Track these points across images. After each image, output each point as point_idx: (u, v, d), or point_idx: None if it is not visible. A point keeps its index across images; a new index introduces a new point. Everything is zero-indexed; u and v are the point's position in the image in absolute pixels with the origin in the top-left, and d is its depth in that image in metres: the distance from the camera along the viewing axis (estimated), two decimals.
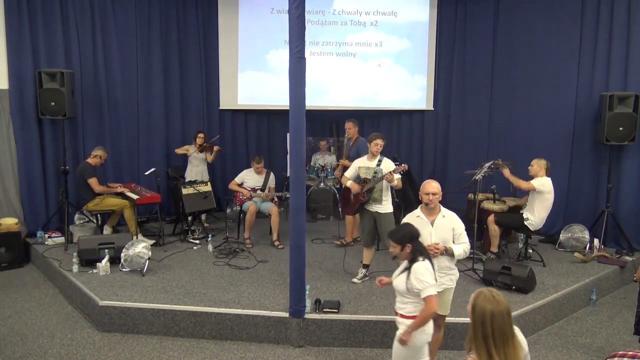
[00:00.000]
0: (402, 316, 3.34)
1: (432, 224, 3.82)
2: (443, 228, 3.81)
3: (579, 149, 6.98)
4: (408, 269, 3.29)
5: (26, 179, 6.81)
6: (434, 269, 3.36)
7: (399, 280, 3.34)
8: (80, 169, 6.49)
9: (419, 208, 3.94)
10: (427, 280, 3.23)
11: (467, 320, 4.60)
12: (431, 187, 3.81)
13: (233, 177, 7.07)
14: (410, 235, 3.34)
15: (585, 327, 5.01)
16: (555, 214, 6.79)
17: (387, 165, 5.37)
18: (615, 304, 5.60)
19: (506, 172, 5.99)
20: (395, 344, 3.34)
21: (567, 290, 5.25)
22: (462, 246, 3.82)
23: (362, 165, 5.53)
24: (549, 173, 5.84)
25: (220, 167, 8.45)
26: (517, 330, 2.37)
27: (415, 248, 3.31)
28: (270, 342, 4.62)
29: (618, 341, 4.71)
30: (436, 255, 3.73)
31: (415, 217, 3.89)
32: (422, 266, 3.25)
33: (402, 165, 5.28)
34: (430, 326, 3.36)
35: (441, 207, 3.91)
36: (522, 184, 5.79)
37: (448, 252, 3.78)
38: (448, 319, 4.51)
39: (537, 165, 5.85)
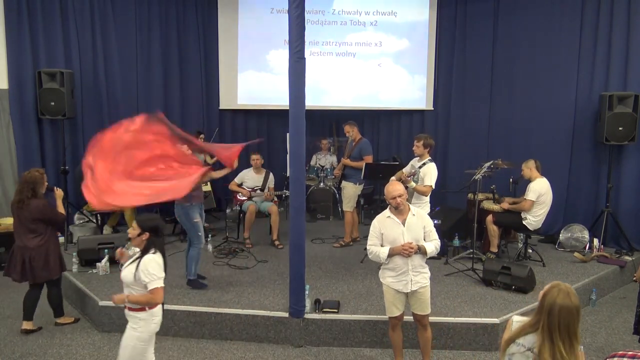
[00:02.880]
0: (130, 309, 3.29)
1: (403, 223, 3.80)
2: (415, 227, 3.81)
3: (579, 148, 6.98)
4: (139, 259, 3.26)
5: None
6: (165, 264, 3.34)
7: (127, 271, 3.28)
8: (78, 170, 6.49)
9: (388, 209, 3.92)
10: (156, 273, 3.21)
11: (467, 320, 4.62)
12: (395, 190, 3.78)
13: (233, 177, 7.07)
14: (155, 227, 3.33)
15: (585, 327, 5.00)
16: (555, 213, 6.80)
17: (426, 170, 5.37)
18: (615, 303, 5.60)
19: (505, 205, 6.07)
20: (125, 334, 3.30)
21: None
22: (433, 243, 3.83)
23: (413, 163, 5.66)
24: (540, 171, 5.86)
25: (220, 167, 8.44)
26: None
27: (152, 240, 3.29)
28: (270, 342, 4.62)
29: (618, 341, 4.71)
30: (410, 254, 3.74)
31: (385, 218, 3.88)
32: (152, 259, 3.24)
33: (415, 171, 5.33)
34: (159, 316, 3.34)
35: (409, 205, 3.91)
36: (525, 205, 5.79)
37: (421, 251, 3.79)
38: (448, 319, 4.52)
39: (527, 167, 5.89)
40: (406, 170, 5.77)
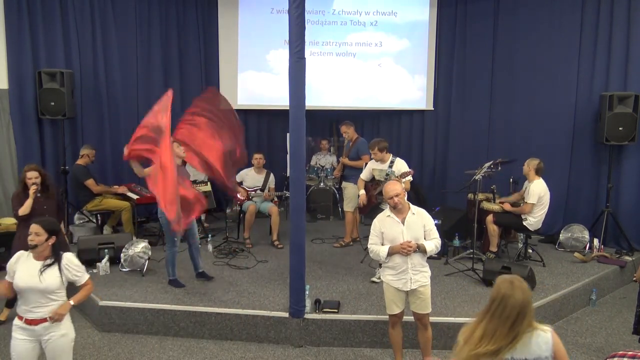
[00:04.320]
0: (49, 320, 3.19)
1: (403, 222, 3.82)
2: (414, 225, 3.82)
3: (579, 149, 6.98)
4: (56, 264, 3.21)
5: None
6: None
7: (50, 279, 3.16)
8: (73, 173, 6.50)
9: (387, 208, 3.94)
10: (82, 266, 3.38)
11: (467, 320, 4.60)
12: (393, 190, 3.81)
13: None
14: (58, 230, 3.36)
15: (585, 327, 5.01)
16: (555, 214, 6.80)
17: (399, 166, 5.45)
18: (615, 304, 5.60)
19: (507, 206, 6.08)
20: (56, 344, 3.23)
21: (567, 290, 5.26)
22: (433, 242, 3.84)
23: (375, 167, 5.74)
24: (540, 173, 5.85)
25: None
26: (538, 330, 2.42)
27: (57, 242, 3.29)
28: (270, 342, 4.62)
29: (618, 341, 4.71)
30: (409, 253, 3.75)
31: (385, 217, 3.90)
32: (72, 256, 3.34)
33: (410, 170, 5.38)
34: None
35: (410, 204, 3.92)
36: (526, 209, 5.79)
37: (420, 249, 3.80)
38: (448, 319, 4.52)
39: (527, 166, 5.91)
40: (365, 176, 5.95)
